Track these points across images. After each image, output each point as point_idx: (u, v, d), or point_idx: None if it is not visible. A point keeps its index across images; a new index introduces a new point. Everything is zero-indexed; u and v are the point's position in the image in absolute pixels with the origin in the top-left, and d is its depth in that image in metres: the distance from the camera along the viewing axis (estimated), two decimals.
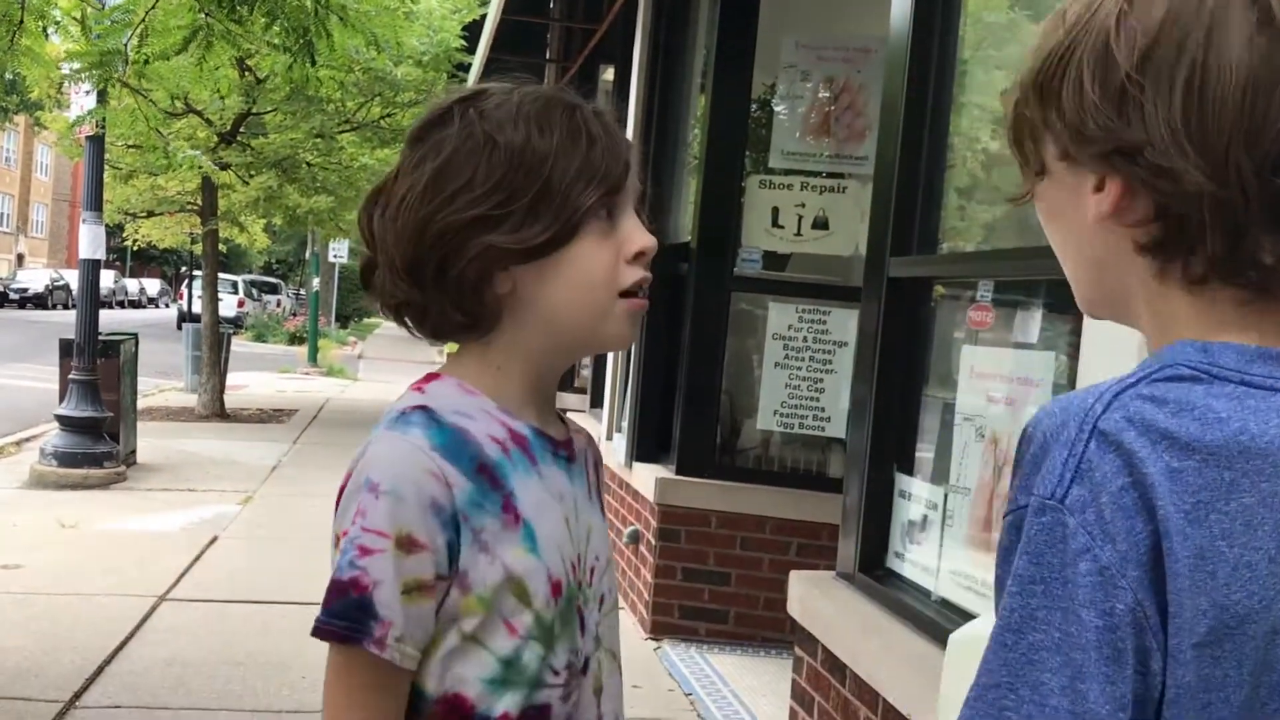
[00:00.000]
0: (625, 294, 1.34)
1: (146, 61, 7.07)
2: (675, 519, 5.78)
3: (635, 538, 6.22)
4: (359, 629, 1.23)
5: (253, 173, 14.47)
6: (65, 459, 9.44)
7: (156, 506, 8.80)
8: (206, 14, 6.12)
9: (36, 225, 74.16)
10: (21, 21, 6.52)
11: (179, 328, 24.87)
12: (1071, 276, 1.02)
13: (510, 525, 1.30)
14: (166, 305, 58.49)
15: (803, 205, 5.90)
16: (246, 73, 13.29)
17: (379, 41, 7.16)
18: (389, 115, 14.91)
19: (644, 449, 6.33)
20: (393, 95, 14.35)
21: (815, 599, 3.68)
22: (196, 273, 22.37)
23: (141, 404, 12.01)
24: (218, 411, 14.33)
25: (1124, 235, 0.92)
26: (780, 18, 6.08)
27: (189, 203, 16.30)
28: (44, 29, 7.00)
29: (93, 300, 9.78)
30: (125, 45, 6.71)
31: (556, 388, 1.47)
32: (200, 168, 13.20)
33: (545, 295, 1.32)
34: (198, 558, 7.15)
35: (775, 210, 5.93)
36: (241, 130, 14.22)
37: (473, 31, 12.78)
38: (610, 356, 7.25)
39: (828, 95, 6.02)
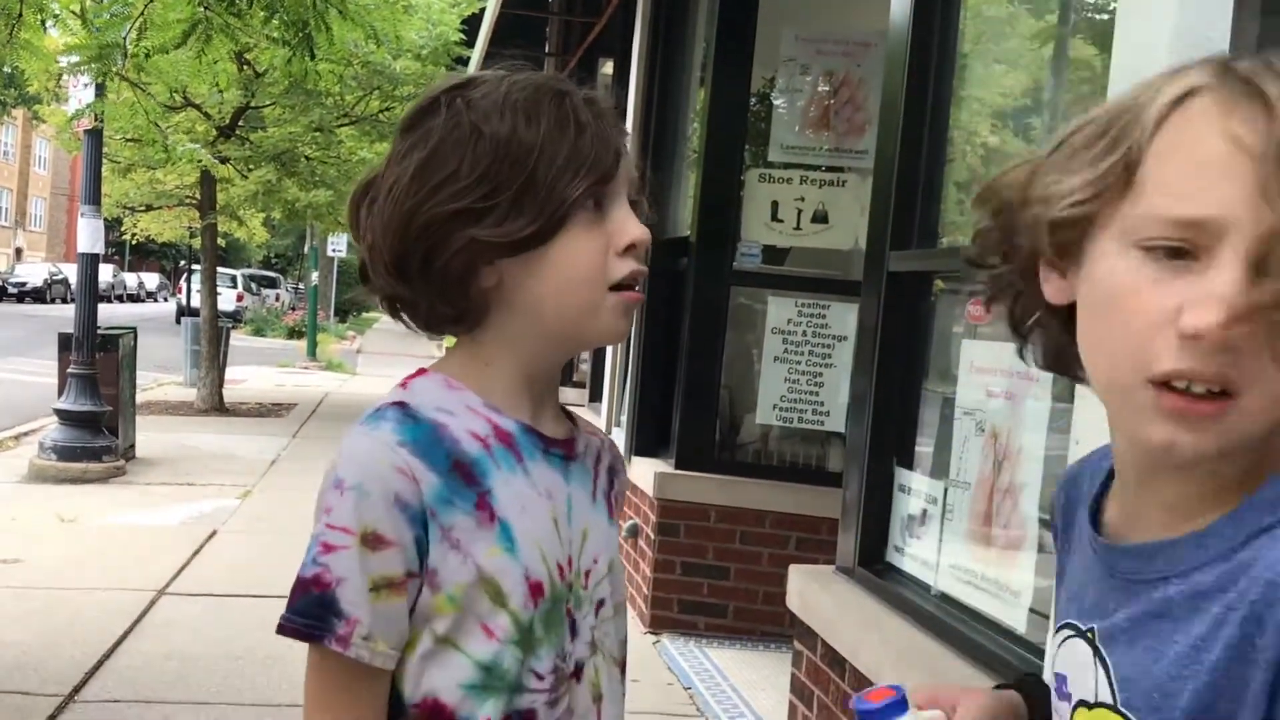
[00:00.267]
0: (618, 287, 1.30)
1: (146, 55, 7.08)
2: (674, 513, 5.78)
3: (634, 532, 6.22)
4: (321, 626, 1.21)
5: (251, 166, 14.46)
6: (64, 453, 9.44)
7: (155, 500, 8.79)
8: (205, 7, 6.11)
9: (35, 219, 74.13)
10: (20, 14, 6.52)
11: (178, 322, 24.85)
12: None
13: (485, 523, 1.26)
14: (165, 299, 58.43)
15: (802, 199, 5.90)
16: (245, 66, 13.27)
17: (378, 35, 7.15)
18: (388, 109, 14.90)
19: (643, 443, 6.33)
20: (392, 89, 14.35)
21: (815, 593, 3.68)
22: (195, 267, 22.36)
23: (140, 398, 12.01)
24: (217, 405, 14.33)
25: None
26: (780, 11, 6.07)
27: (188, 197, 16.28)
28: (43, 22, 7.01)
29: (91, 294, 9.77)
30: (124, 38, 6.71)
31: (557, 383, 1.43)
32: (199, 161, 13.19)
33: (533, 289, 1.28)
34: (197, 552, 7.15)
35: (775, 204, 5.93)
36: (240, 124, 14.20)
37: (472, 25, 12.77)
38: (610, 350, 7.24)
39: (827, 89, 6.01)
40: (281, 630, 1.23)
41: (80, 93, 9.90)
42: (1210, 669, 0.89)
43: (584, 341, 1.37)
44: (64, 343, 9.98)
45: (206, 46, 6.31)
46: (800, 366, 5.83)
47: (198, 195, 14.99)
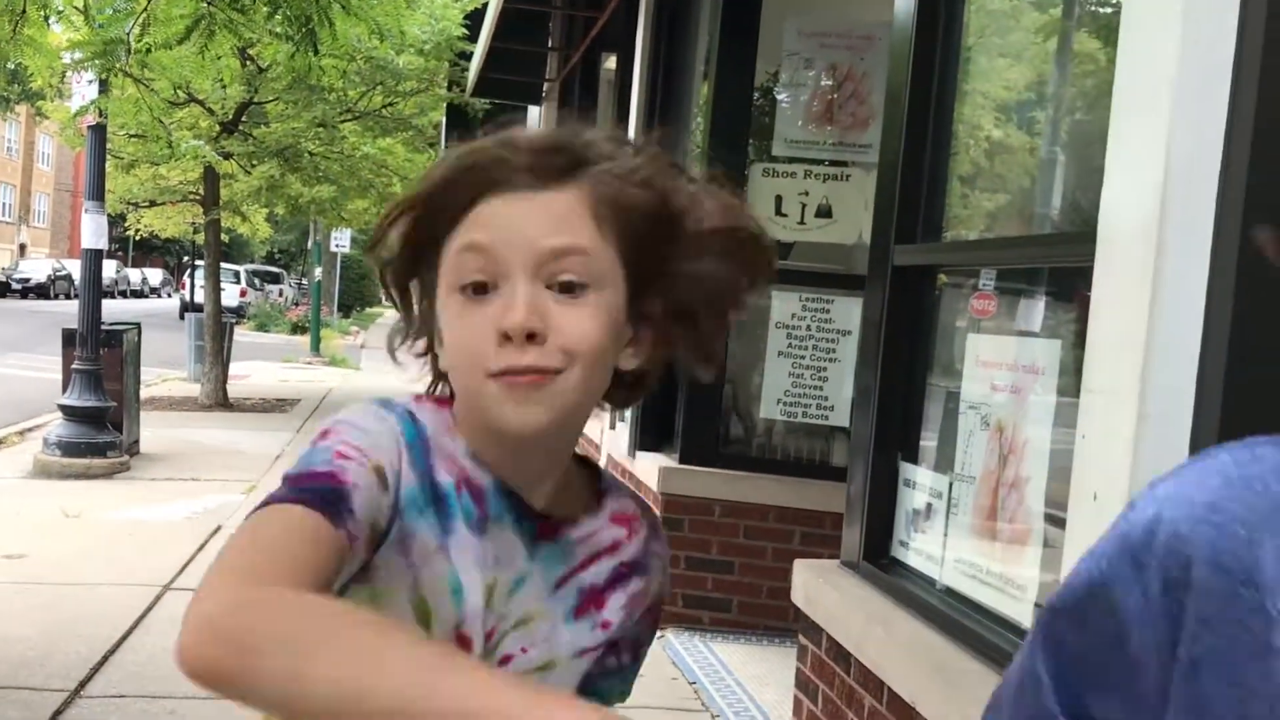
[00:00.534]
0: (503, 373, 1.10)
1: (149, 51, 7.08)
2: (678, 508, 5.78)
3: None
4: (335, 510, 1.04)
5: (255, 162, 14.46)
6: (69, 449, 9.45)
7: (160, 496, 8.80)
8: (209, 3, 6.12)
9: (38, 215, 74.17)
10: (24, 11, 6.52)
11: (181, 317, 24.85)
12: None
13: (438, 555, 1.15)
14: (169, 295, 58.49)
15: (806, 193, 5.89)
16: (248, 62, 13.28)
17: (381, 30, 7.16)
18: (391, 104, 14.90)
19: (647, 438, 6.33)
20: (395, 84, 14.34)
21: (820, 587, 3.68)
22: (199, 262, 22.36)
23: (145, 393, 12.02)
24: (221, 401, 14.34)
25: None
26: (783, 5, 6.06)
27: (191, 192, 16.28)
28: (46, 18, 7.01)
29: (95, 290, 9.78)
30: (127, 34, 6.72)
31: (562, 459, 1.24)
32: (202, 157, 13.19)
33: (444, 354, 1.20)
34: (202, 547, 7.15)
35: (779, 198, 5.92)
36: (243, 119, 14.20)
37: (475, 20, 12.75)
38: None
39: (831, 83, 6.00)
40: (284, 500, 1.04)
41: (84, 89, 9.90)
42: None
43: (495, 430, 1.15)
44: (68, 338, 9.98)
45: (210, 42, 6.31)
46: (804, 361, 5.83)
47: (201, 191, 14.99)
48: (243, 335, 23.89)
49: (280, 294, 46.28)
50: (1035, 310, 3.24)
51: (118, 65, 7.25)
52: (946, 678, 2.81)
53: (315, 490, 1.05)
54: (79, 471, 9.30)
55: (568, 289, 1.10)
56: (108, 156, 10.83)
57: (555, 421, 1.12)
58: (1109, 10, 3.09)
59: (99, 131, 9.91)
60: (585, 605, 1.27)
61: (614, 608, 1.30)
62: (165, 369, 18.03)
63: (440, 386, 1.26)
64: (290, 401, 15.45)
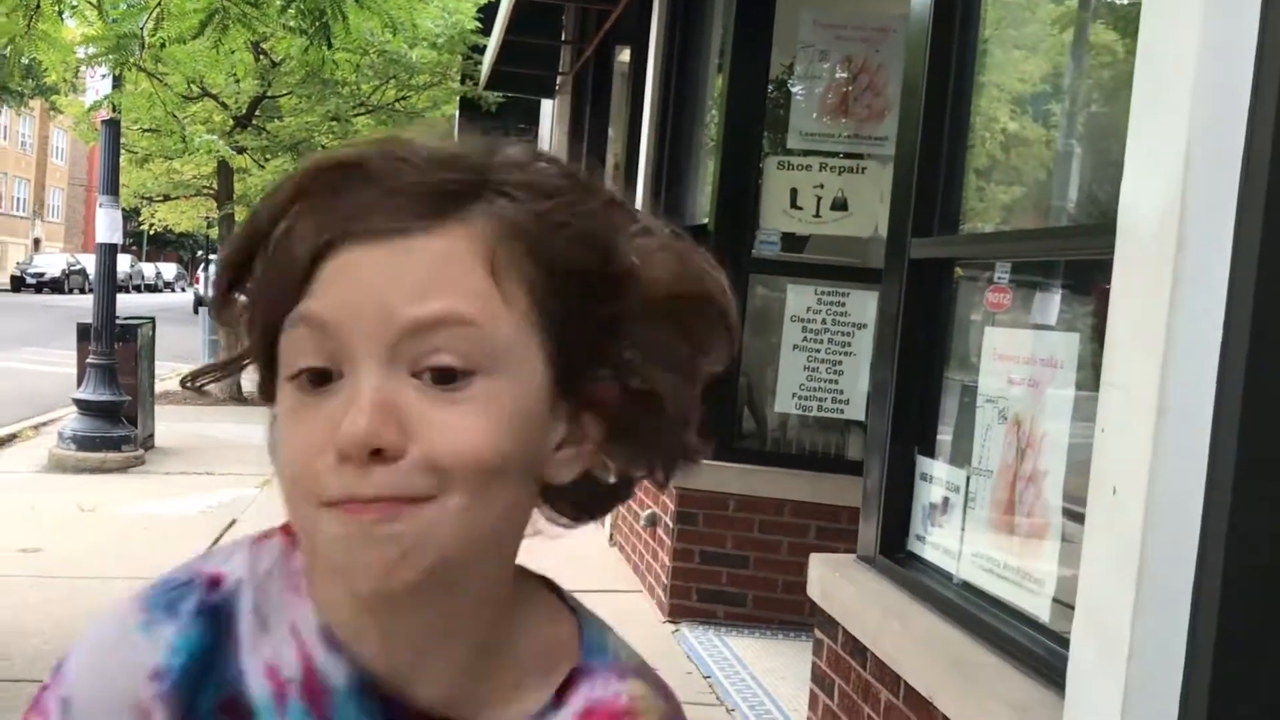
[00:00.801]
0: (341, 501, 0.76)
1: (162, 45, 7.09)
2: (693, 502, 5.77)
3: (653, 521, 6.21)
4: None
5: (268, 156, 14.50)
6: (83, 443, 9.48)
7: (175, 490, 8.82)
8: None
9: (52, 210, 74.42)
10: (38, 6, 6.53)
11: (195, 312, 24.93)
12: None
13: None
14: (183, 289, 58.68)
15: (821, 186, 5.87)
16: (262, 56, 13.30)
17: (394, 23, 7.15)
18: (404, 98, 14.92)
19: None
20: (408, 78, 14.36)
21: (835, 582, 3.67)
22: (213, 257, 22.40)
23: (159, 388, 12.04)
24: (235, 395, 14.36)
25: None
26: None
27: (205, 186, 16.33)
28: (60, 13, 7.01)
29: (110, 284, 9.80)
30: (141, 29, 6.72)
31: (452, 627, 0.84)
32: (216, 151, 13.23)
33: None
34: (216, 541, 7.15)
35: (794, 191, 5.90)
36: (257, 114, 14.23)
37: (488, 13, 12.75)
38: None
39: (846, 75, 5.98)
40: None
41: (97, 83, 9.92)
42: None
43: (344, 586, 0.81)
44: (83, 333, 10.01)
45: (223, 36, 6.31)
46: (819, 354, 5.81)
47: (215, 185, 15.04)
48: None
49: None
50: (1052, 303, 3.22)
51: (131, 60, 7.26)
52: (963, 672, 2.80)
53: None
54: (94, 466, 9.33)
55: (443, 378, 0.75)
56: (122, 151, 10.84)
57: (425, 572, 0.76)
58: (1126, 1, 3.06)
59: (113, 126, 9.92)
60: None
61: None
62: (180, 363, 18.06)
63: None
64: None
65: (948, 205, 3.55)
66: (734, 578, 5.78)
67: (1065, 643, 2.36)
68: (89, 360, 9.69)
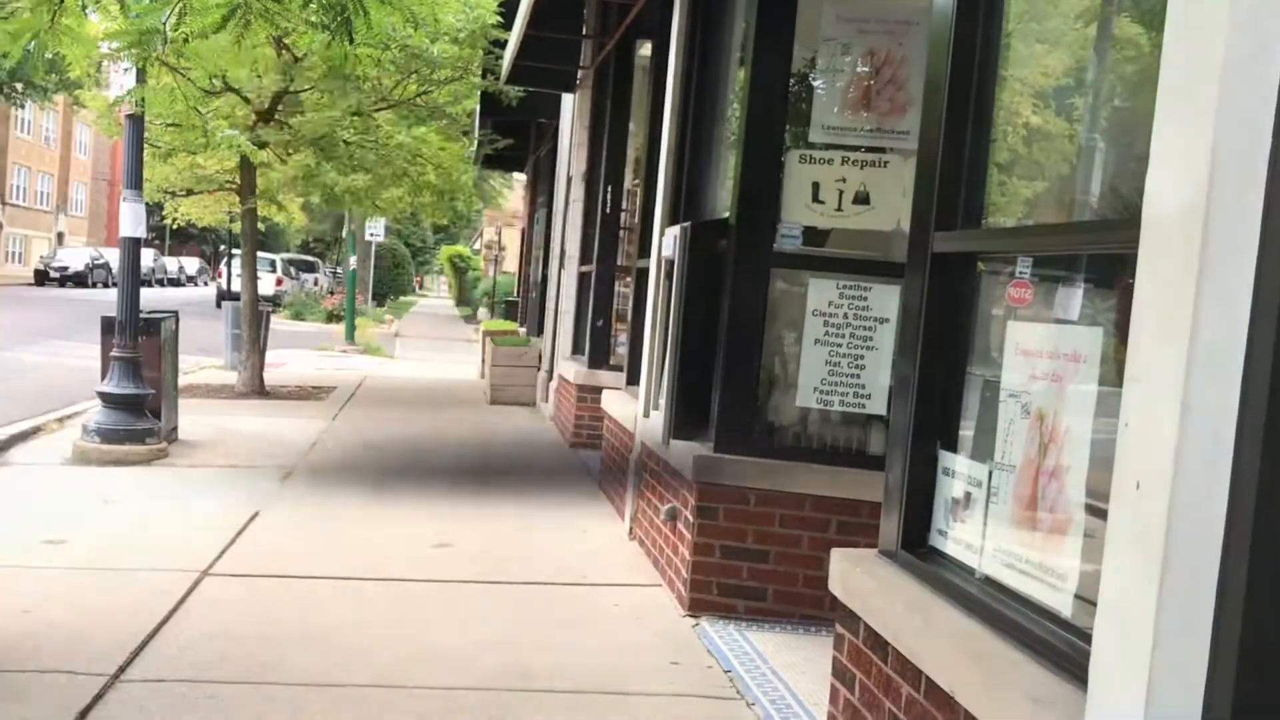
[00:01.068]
0: None
1: (185, 40, 7.11)
2: (713, 496, 5.77)
3: (673, 515, 6.21)
4: None
5: (290, 151, 14.52)
6: (108, 436, 9.54)
7: (198, 482, 8.86)
8: None
9: (76, 204, 74.78)
10: (62, 1, 6.55)
11: (218, 306, 25.03)
12: None
13: None
14: (205, 283, 58.90)
15: (843, 180, 5.86)
16: (284, 51, 13.33)
17: (416, 18, 7.17)
18: (425, 93, 14.93)
19: (682, 426, 6.31)
20: (429, 73, 14.37)
21: (857, 576, 3.67)
22: (235, 251, 22.49)
23: (182, 381, 12.11)
24: (257, 389, 14.44)
25: None
26: None
27: (228, 181, 16.36)
28: (84, 7, 7.05)
29: (134, 278, 9.86)
30: (164, 24, 6.75)
31: None
32: (238, 146, 13.27)
33: None
34: (239, 533, 7.19)
35: (815, 185, 5.89)
36: (279, 109, 14.26)
37: (509, 7, 12.75)
38: (647, 331, 7.22)
39: (868, 68, 5.96)
40: None
41: (121, 78, 9.97)
42: None
43: None
44: (107, 326, 10.06)
45: (245, 31, 6.34)
46: (841, 349, 5.80)
47: (238, 180, 15.07)
48: (278, 324, 24.02)
49: (315, 282, 46.51)
50: (1075, 298, 3.21)
51: (154, 55, 7.30)
52: (985, 667, 2.79)
53: None
54: (118, 458, 9.38)
55: None
56: (145, 145, 10.89)
57: None
58: None
59: (136, 121, 9.97)
60: None
61: None
62: (203, 357, 18.16)
63: None
64: (326, 389, 15.54)
65: (970, 199, 3.54)
66: (754, 572, 5.78)
67: (1088, 638, 2.36)
68: (113, 354, 9.76)
